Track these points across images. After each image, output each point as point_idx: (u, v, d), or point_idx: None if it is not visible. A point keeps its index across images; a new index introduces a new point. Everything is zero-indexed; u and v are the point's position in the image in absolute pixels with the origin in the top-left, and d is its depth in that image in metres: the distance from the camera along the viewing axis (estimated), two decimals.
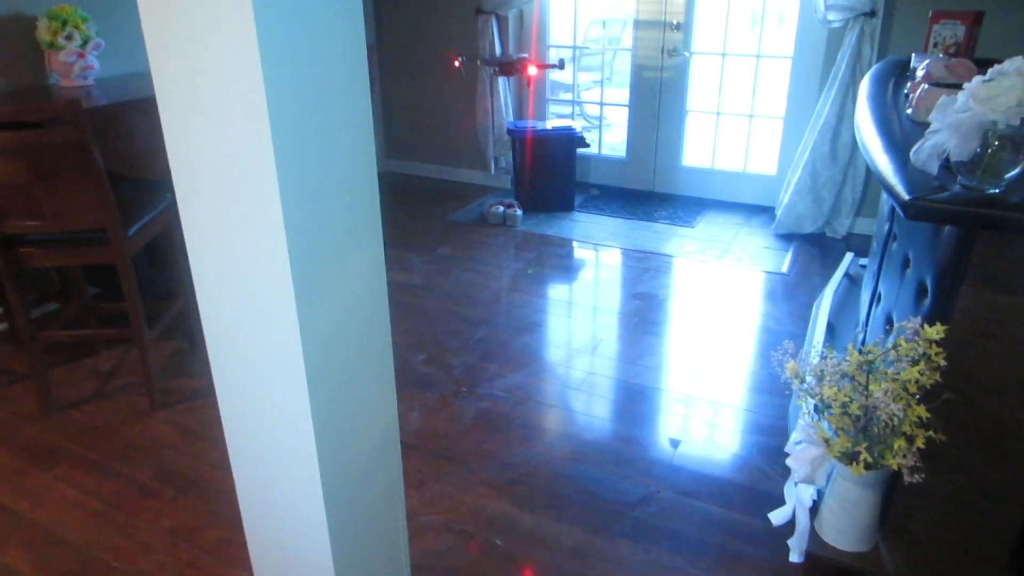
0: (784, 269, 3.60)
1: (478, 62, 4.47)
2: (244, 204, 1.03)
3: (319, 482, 1.19)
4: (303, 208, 1.05)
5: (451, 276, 3.55)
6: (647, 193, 4.66)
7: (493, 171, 4.86)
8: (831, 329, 2.51)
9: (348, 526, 1.32)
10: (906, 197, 1.26)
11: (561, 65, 4.46)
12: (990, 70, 1.26)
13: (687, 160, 4.56)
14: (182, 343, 2.93)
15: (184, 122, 1.03)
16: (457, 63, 4.49)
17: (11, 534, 1.99)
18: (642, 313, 3.17)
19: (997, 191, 1.29)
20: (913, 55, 2.24)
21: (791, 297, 3.31)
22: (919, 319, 1.39)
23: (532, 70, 4.34)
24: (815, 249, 3.83)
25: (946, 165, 1.37)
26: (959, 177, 1.33)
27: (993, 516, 1.54)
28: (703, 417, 2.46)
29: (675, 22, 4.24)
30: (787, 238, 3.96)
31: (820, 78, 3.88)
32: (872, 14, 3.54)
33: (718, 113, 4.43)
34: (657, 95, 4.43)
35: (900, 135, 1.62)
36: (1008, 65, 1.24)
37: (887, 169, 1.40)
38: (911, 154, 1.38)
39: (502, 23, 4.53)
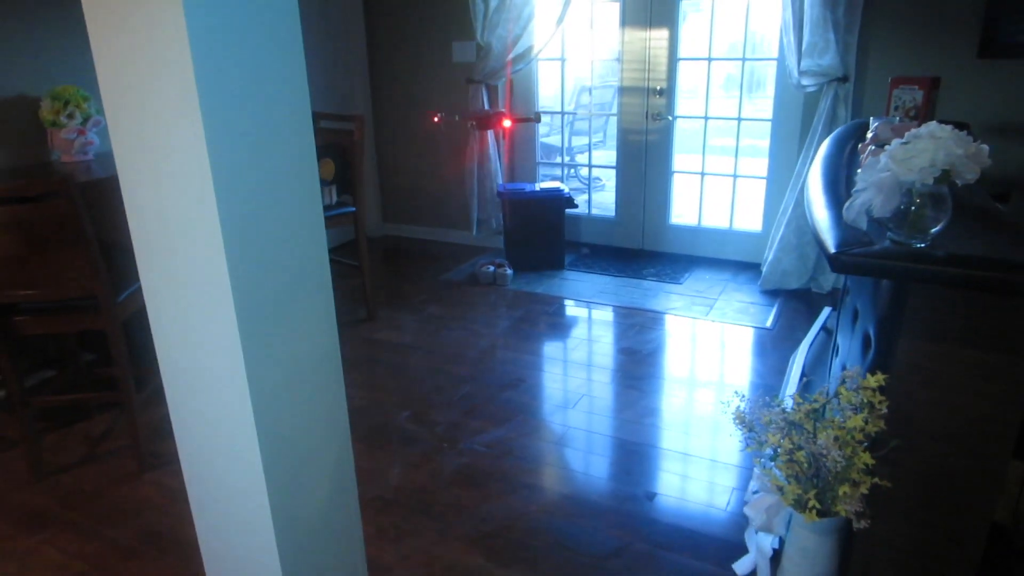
0: (768, 324, 3.65)
1: (456, 117, 4.64)
2: (196, 274, 1.11)
3: (272, 533, 1.23)
4: (249, 273, 1.12)
5: (439, 335, 3.61)
6: (636, 251, 4.75)
7: (483, 232, 4.97)
8: (806, 381, 2.54)
9: None
10: (832, 250, 1.33)
11: (537, 118, 4.61)
12: (907, 133, 1.35)
13: (675, 218, 4.66)
14: None
15: (141, 196, 1.12)
16: (436, 119, 4.66)
17: None
18: (626, 368, 3.22)
19: (923, 245, 1.36)
20: (871, 118, 2.34)
21: (775, 351, 3.35)
22: (859, 368, 1.44)
23: (507, 123, 4.51)
24: (800, 304, 3.88)
25: (879, 221, 1.44)
26: (888, 232, 1.40)
27: (950, 563, 1.56)
28: (679, 470, 2.49)
29: (658, 88, 4.40)
30: (773, 294, 4.02)
31: (799, 139, 4.01)
32: (844, 79, 3.68)
33: (703, 174, 4.55)
34: (643, 157, 4.56)
35: (846, 194, 1.70)
36: (923, 129, 1.33)
37: (822, 224, 1.47)
38: (843, 211, 1.46)
39: (492, 92, 4.71)
